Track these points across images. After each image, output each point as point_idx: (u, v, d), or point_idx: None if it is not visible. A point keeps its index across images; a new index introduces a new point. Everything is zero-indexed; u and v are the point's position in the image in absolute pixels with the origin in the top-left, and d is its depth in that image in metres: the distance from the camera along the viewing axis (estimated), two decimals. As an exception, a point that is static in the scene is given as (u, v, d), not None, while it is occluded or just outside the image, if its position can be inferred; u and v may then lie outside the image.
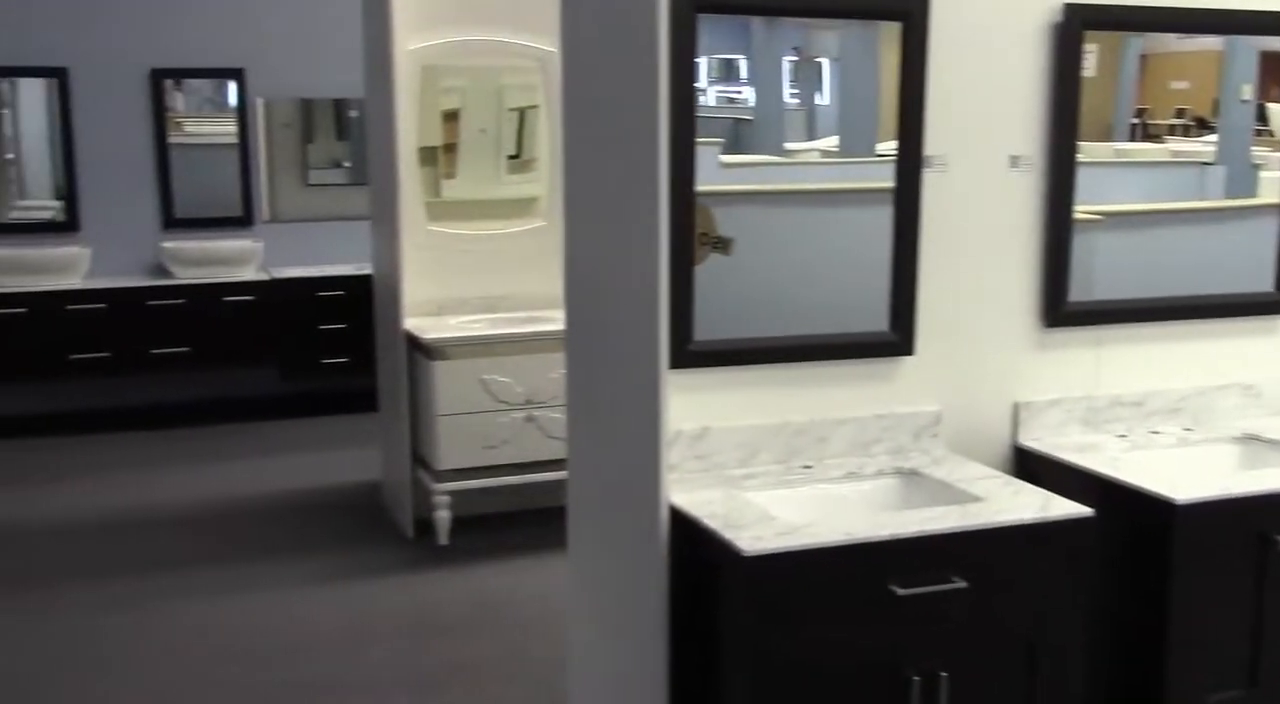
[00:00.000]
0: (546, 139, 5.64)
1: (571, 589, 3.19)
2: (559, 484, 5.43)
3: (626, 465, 2.75)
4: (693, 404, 2.76)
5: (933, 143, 2.86)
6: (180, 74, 7.44)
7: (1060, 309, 3.03)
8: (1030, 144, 2.97)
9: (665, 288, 2.53)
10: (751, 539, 2.36)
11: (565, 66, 3.02)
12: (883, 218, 2.88)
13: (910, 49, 2.78)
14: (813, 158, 3.23)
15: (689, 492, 2.63)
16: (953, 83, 2.85)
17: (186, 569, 4.85)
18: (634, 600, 2.72)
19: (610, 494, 2.89)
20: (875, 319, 2.91)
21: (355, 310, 7.15)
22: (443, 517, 5.00)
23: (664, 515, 2.57)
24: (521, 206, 5.83)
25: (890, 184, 2.86)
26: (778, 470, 2.80)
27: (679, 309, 2.63)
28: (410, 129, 5.24)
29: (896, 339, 2.90)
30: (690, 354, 2.72)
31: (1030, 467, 2.98)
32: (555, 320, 5.18)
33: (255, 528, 5.35)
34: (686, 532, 2.55)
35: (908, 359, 2.93)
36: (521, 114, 5.92)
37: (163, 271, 7.32)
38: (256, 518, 5.48)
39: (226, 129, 7.63)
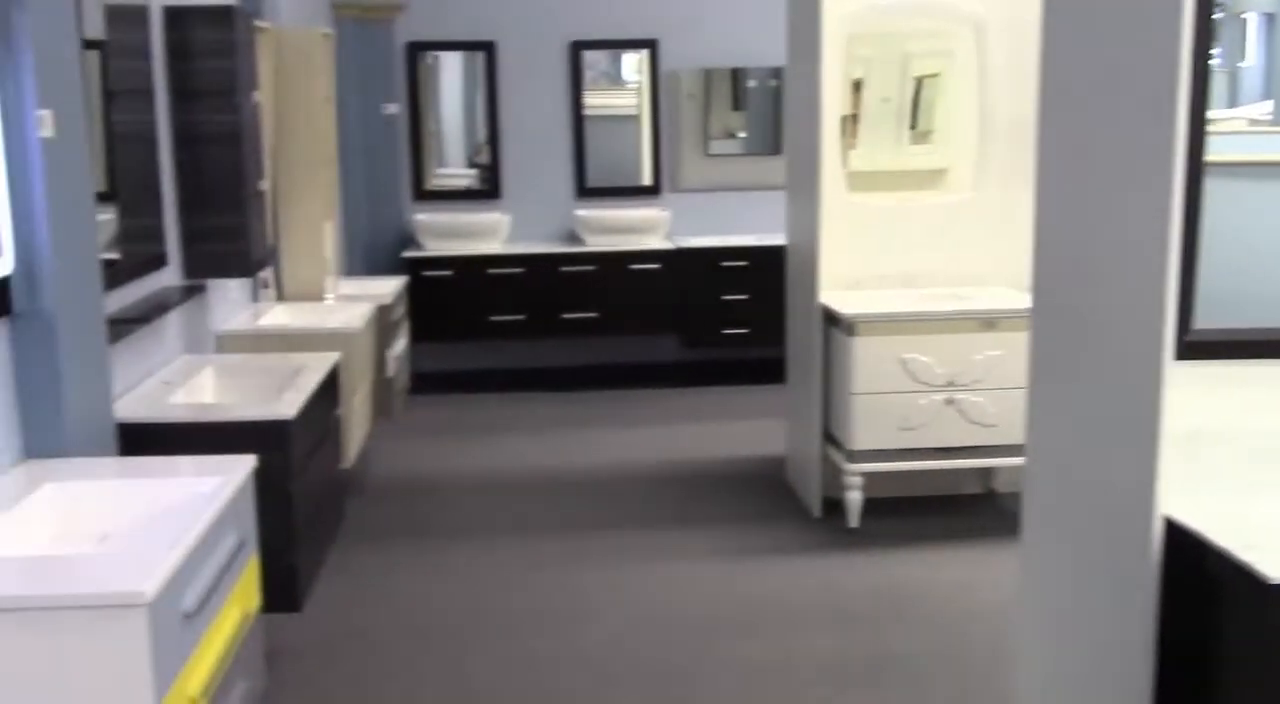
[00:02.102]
0: (962, 107, 5.34)
1: (1024, 591, 2.95)
2: (978, 472, 5.22)
3: (1106, 466, 2.49)
4: (1186, 401, 2.45)
5: None
6: (598, 45, 7.63)
7: None
8: None
9: (1174, 271, 2.25)
10: (1277, 565, 2.05)
11: (1046, 30, 2.75)
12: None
13: None
14: (1238, 126, 2.85)
15: (1184, 501, 2.34)
16: None
17: (595, 532, 4.94)
18: (1112, 617, 2.46)
19: (1082, 495, 2.63)
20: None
21: (758, 281, 7.13)
22: (854, 498, 4.84)
23: (1157, 527, 2.30)
24: (928, 178, 5.60)
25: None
26: (1286, 482, 2.45)
27: (1183, 294, 2.34)
28: (835, 97, 5.08)
29: None
30: (1188, 345, 2.42)
31: None
32: (979, 298, 4.95)
33: (659, 495, 5.40)
34: (1182, 547, 2.27)
35: None
36: (919, 83, 5.68)
37: (574, 238, 7.56)
38: (660, 485, 5.53)
39: (625, 101, 7.78)
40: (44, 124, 2.97)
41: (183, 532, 2.52)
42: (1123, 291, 2.42)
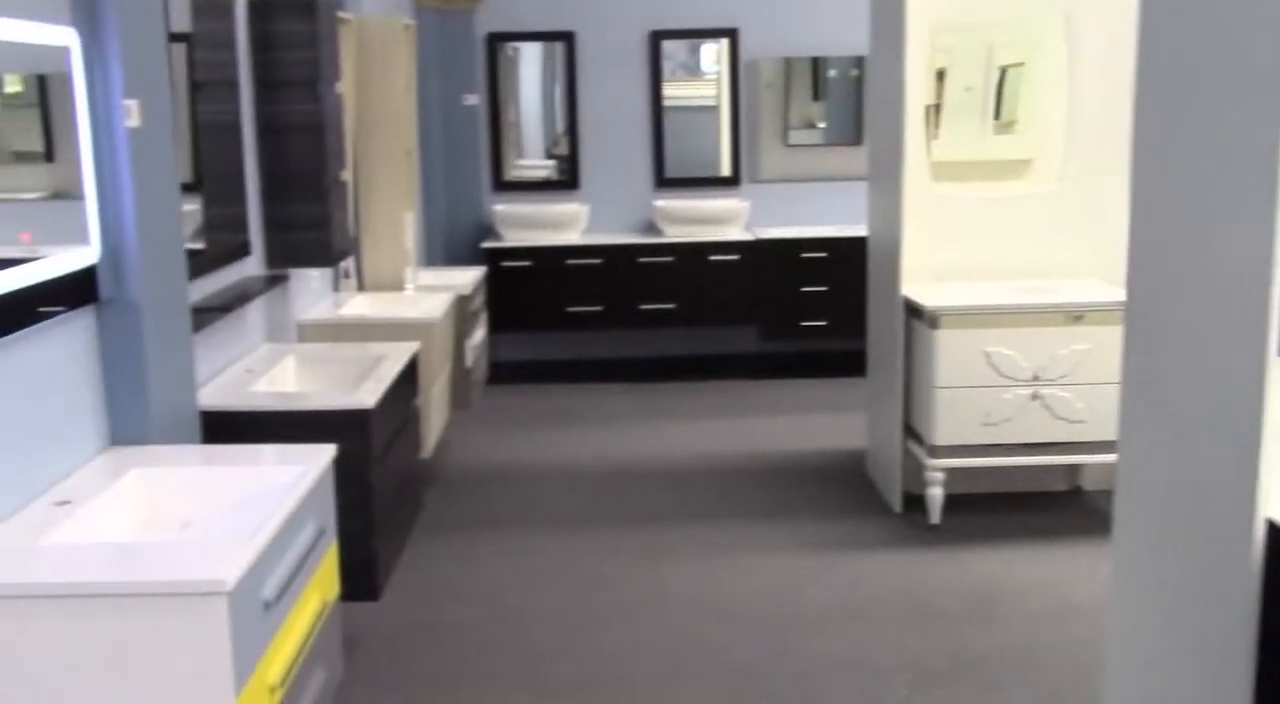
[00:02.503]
0: (1048, 97, 5.22)
1: (1117, 592, 2.87)
2: (1064, 469, 5.11)
3: (1205, 465, 2.40)
4: (1288, 399, 2.36)
5: None
6: (677, 35, 7.58)
7: None
8: None
9: (1280, 263, 2.16)
10: (1386, 570, 1.97)
11: (1144, 16, 2.66)
12: None
13: None
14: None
15: (1286, 503, 2.25)
16: None
17: (672, 524, 4.91)
18: (1210, 620, 2.38)
19: (1179, 495, 2.54)
20: None
21: (838, 273, 7.06)
22: (935, 494, 4.76)
23: (1259, 529, 2.21)
24: (1013, 168, 5.48)
25: None
26: (1394, 485, 2.34)
27: (1289, 288, 2.25)
28: (918, 87, 4.99)
29: None
30: (1292, 342, 2.32)
31: None
32: (1066, 290, 4.84)
33: (736, 488, 5.35)
34: (1285, 551, 2.18)
35: None
36: (1004, 72, 5.56)
37: (652, 229, 7.53)
38: (738, 478, 5.49)
39: (704, 92, 7.73)
40: (130, 114, 3.00)
41: (263, 520, 2.53)
42: (1224, 285, 2.33)
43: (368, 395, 3.79)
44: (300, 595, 2.74)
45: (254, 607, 2.40)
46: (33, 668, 2.25)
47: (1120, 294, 2.83)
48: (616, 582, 4.35)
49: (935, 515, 4.78)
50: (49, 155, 2.91)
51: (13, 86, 2.80)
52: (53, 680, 2.26)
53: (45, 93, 2.86)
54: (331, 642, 3.08)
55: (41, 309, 2.72)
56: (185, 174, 3.85)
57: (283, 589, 2.54)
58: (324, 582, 2.98)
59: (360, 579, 3.82)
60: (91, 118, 2.93)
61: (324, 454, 3.03)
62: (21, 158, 2.86)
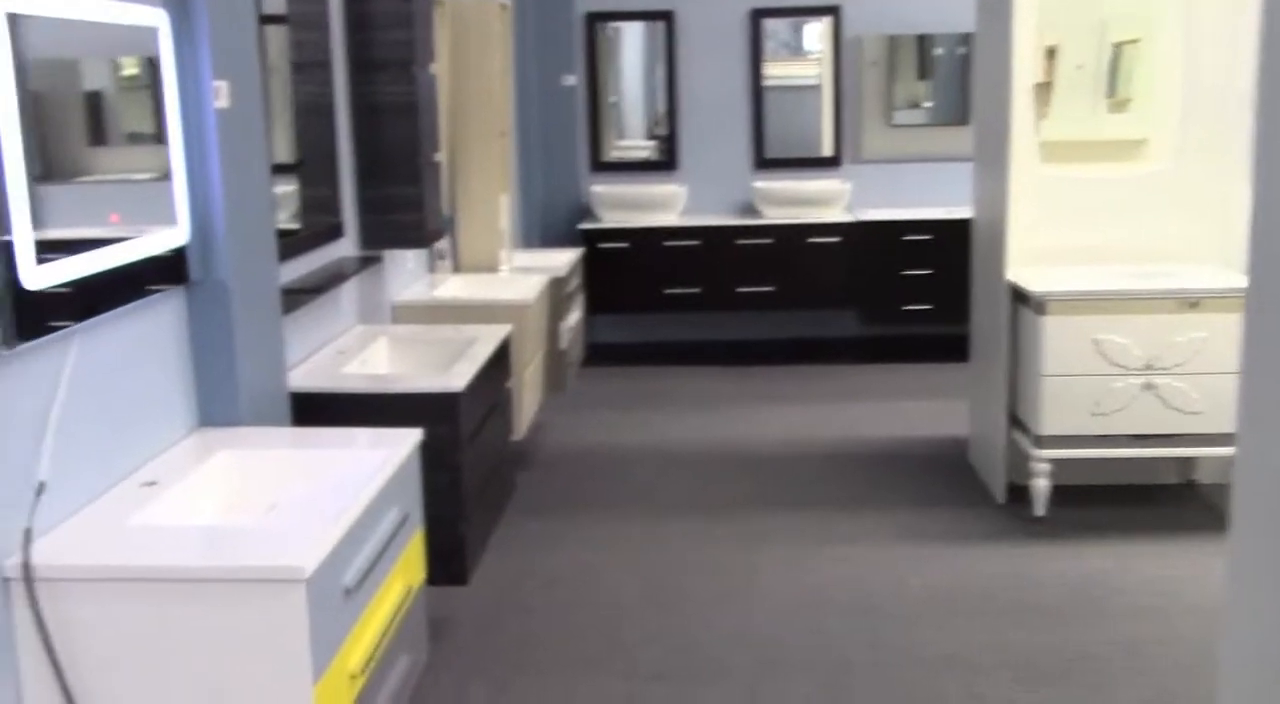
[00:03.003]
0: (1164, 74, 5.00)
1: (1232, 592, 2.71)
2: (1176, 461, 4.90)
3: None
4: None
5: None
6: (778, 14, 7.45)
7: None
8: None
9: None
10: None
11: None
12: None
13: None
14: None
15: None
16: None
17: (767, 510, 4.82)
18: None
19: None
20: None
21: (942, 256, 6.89)
22: (1041, 485, 4.60)
23: (1391, 532, 2.06)
24: (1126, 148, 5.26)
25: None
26: None
27: None
28: (1026, 65, 4.81)
29: None
30: None
31: None
32: (1181, 276, 4.63)
33: (834, 475, 5.24)
34: None
35: None
36: (1117, 49, 5.34)
37: (751, 211, 7.42)
38: (836, 464, 5.37)
39: (806, 71, 7.59)
40: (220, 95, 2.99)
41: (346, 506, 2.50)
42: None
43: (458, 378, 3.76)
44: (383, 582, 2.71)
45: (334, 594, 2.37)
46: (112, 649, 2.25)
47: (1240, 280, 2.68)
48: (710, 568, 4.28)
49: (1040, 507, 4.62)
50: (159, 136, 2.91)
51: (129, 69, 2.81)
52: (131, 662, 2.26)
53: (156, 75, 2.86)
54: (416, 627, 3.06)
55: (130, 290, 2.73)
56: (287, 155, 3.86)
57: (364, 576, 2.52)
58: (408, 567, 2.95)
59: (448, 563, 3.80)
60: (181, 99, 2.93)
61: (409, 439, 3.00)
62: (134, 139, 2.87)
